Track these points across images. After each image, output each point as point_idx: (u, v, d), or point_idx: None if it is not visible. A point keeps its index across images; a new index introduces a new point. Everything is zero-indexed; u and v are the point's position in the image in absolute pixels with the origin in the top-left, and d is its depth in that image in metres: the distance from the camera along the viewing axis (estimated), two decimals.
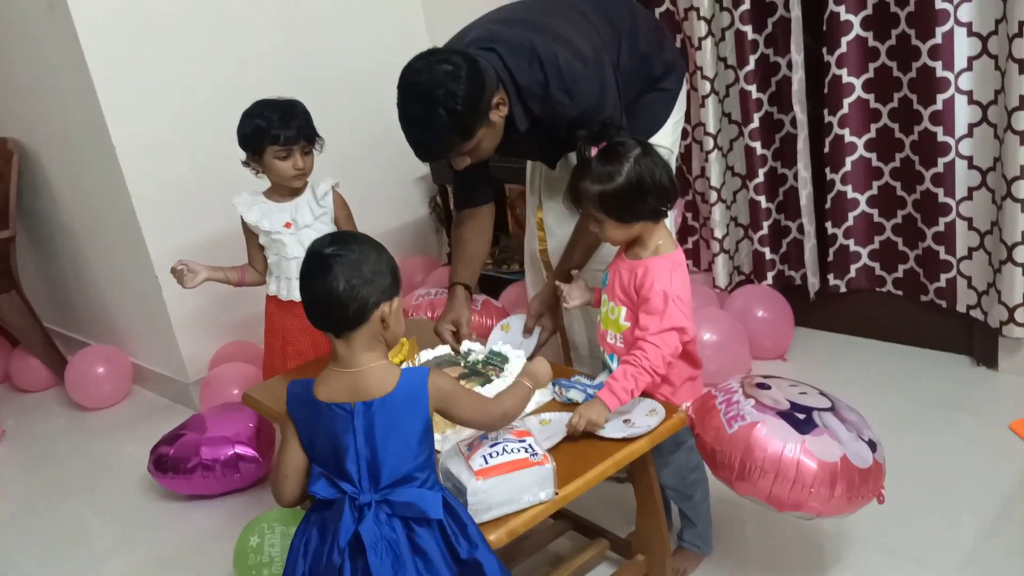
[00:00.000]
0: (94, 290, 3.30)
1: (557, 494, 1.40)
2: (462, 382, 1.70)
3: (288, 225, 2.10)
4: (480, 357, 1.80)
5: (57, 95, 2.87)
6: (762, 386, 1.58)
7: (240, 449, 2.36)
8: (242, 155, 2.12)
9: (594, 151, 1.58)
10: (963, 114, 2.24)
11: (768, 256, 2.74)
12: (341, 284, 1.25)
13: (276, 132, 1.98)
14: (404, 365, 1.81)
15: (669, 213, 1.63)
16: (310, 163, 2.06)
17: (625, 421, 1.56)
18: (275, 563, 1.83)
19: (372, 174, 3.34)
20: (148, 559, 2.23)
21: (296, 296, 2.06)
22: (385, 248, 1.33)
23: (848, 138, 2.49)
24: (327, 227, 2.13)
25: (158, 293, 2.89)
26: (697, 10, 2.55)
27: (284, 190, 2.12)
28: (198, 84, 2.84)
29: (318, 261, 1.27)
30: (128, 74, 2.69)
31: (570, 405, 1.63)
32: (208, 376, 2.82)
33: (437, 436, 1.44)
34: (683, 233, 2.95)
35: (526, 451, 1.40)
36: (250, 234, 2.19)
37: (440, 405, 1.32)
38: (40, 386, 3.37)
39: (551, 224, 2.07)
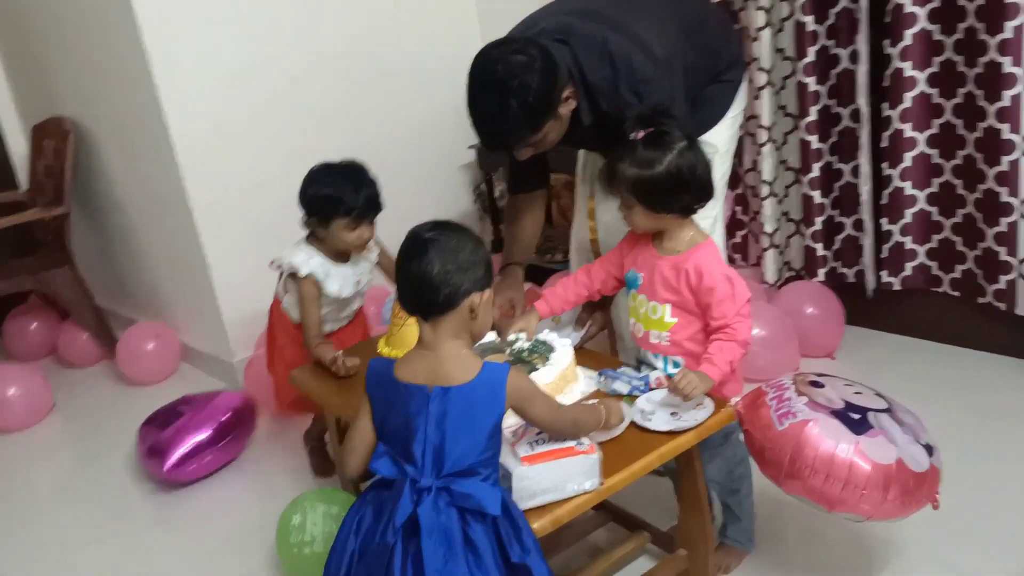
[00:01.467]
0: (145, 269, 3.37)
1: (602, 484, 1.39)
2: None
3: (358, 282, 2.10)
4: (526, 346, 1.78)
5: (114, 76, 2.92)
6: (815, 384, 1.54)
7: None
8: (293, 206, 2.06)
9: (640, 135, 1.56)
10: None
11: (820, 252, 2.68)
12: (436, 268, 1.26)
13: (349, 205, 1.93)
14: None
15: (700, 211, 1.60)
16: (374, 232, 2.02)
17: (672, 414, 1.54)
18: (317, 541, 1.84)
19: (418, 162, 3.35)
20: (192, 532, 2.27)
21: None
22: (482, 240, 1.34)
23: (908, 133, 2.42)
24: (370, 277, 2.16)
25: (206, 274, 2.93)
26: (757, 59, 2.50)
27: (333, 252, 2.06)
28: (253, 69, 2.88)
29: (416, 243, 1.29)
30: (185, 58, 2.73)
31: (615, 397, 1.61)
32: (253, 356, 2.85)
33: None
34: (732, 227, 2.90)
35: (572, 440, 1.39)
36: (315, 299, 2.05)
37: (516, 404, 1.31)
38: (89, 360, 3.45)
39: (602, 214, 2.04)
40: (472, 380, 1.27)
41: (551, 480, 1.36)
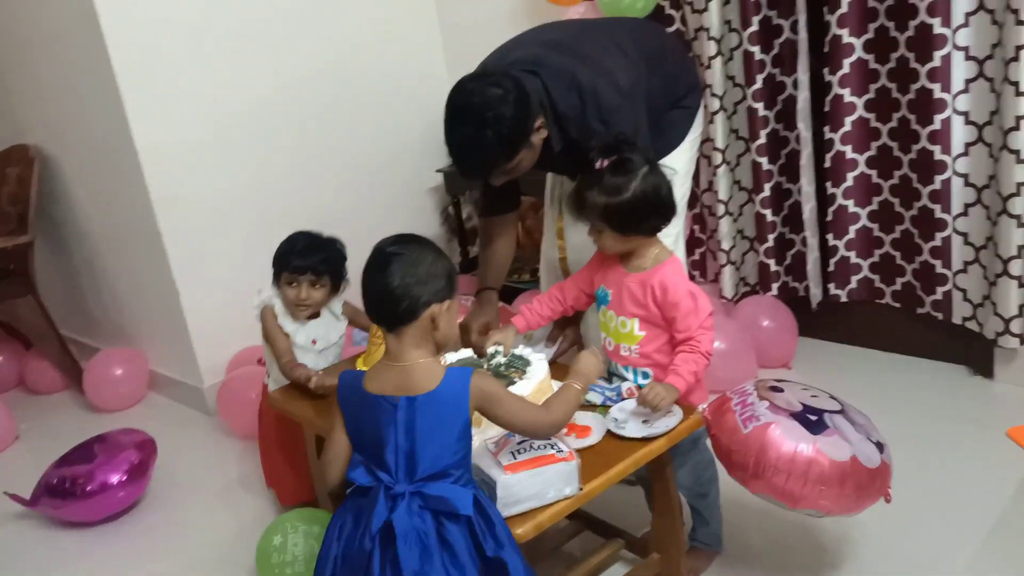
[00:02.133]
0: (111, 296, 3.37)
1: (581, 489, 1.47)
2: None
3: (314, 342, 2.11)
4: (503, 360, 1.86)
5: (82, 102, 2.94)
6: (775, 389, 1.65)
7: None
8: None
9: (605, 163, 1.67)
10: (960, 134, 2.34)
11: (773, 268, 2.82)
12: (396, 281, 1.33)
13: (291, 259, 2.01)
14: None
15: (664, 230, 1.71)
16: (316, 296, 2.05)
17: (644, 422, 1.63)
18: (298, 562, 1.88)
19: (386, 186, 3.42)
20: (161, 559, 2.29)
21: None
22: (444, 254, 1.41)
23: (850, 155, 2.58)
24: (342, 339, 2.17)
25: (176, 299, 2.96)
26: (707, 30, 2.64)
27: (296, 313, 2.09)
28: (222, 93, 2.93)
29: (379, 257, 1.36)
30: (154, 81, 2.77)
31: (587, 407, 1.71)
32: (226, 380, 2.88)
33: (476, 431, 1.49)
34: (691, 245, 3.03)
35: (552, 448, 1.47)
36: (279, 332, 2.10)
37: (481, 405, 1.37)
38: (54, 388, 3.43)
39: (570, 235, 2.15)
40: (436, 387, 1.34)
41: (533, 487, 1.44)
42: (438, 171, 3.54)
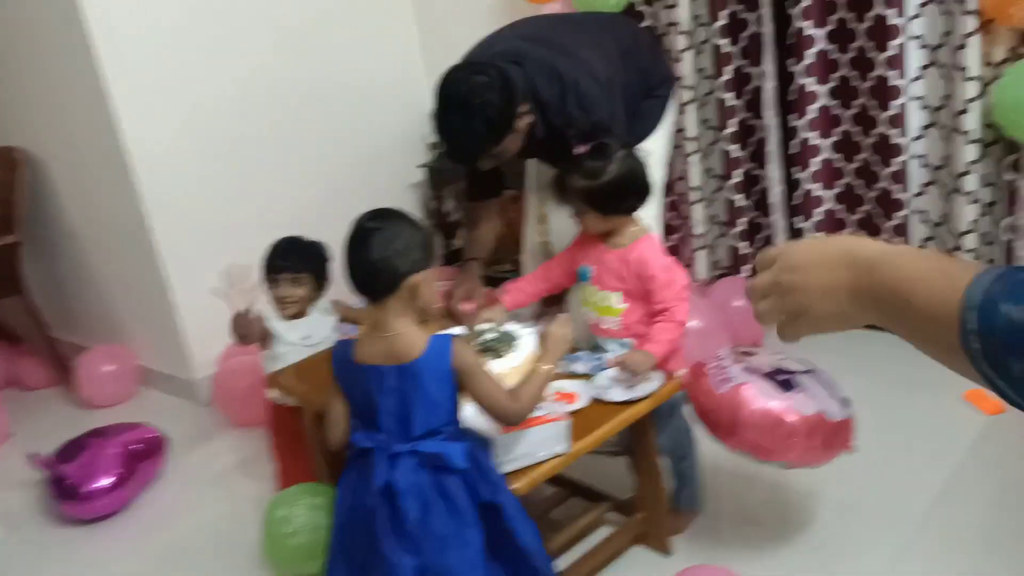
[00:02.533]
0: (99, 294, 3.42)
1: (571, 448, 1.59)
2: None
3: (307, 338, 2.19)
4: (492, 336, 1.97)
5: (68, 104, 3.00)
6: (747, 353, 1.78)
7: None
8: None
9: (584, 149, 1.78)
10: (915, 118, 2.48)
11: (743, 250, 2.96)
12: (375, 255, 1.41)
13: (270, 260, 2.13)
14: None
15: (642, 210, 1.83)
16: (298, 293, 2.14)
17: (627, 388, 1.75)
18: (302, 532, 1.97)
19: (369, 182, 3.50)
20: (165, 547, 2.37)
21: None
22: (421, 224, 1.49)
23: (813, 141, 2.73)
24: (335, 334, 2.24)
25: (166, 293, 3.02)
26: (677, 25, 2.77)
27: (281, 310, 2.19)
28: (208, 92, 3.00)
29: (358, 233, 1.44)
30: (141, 82, 2.83)
31: (573, 376, 1.82)
32: (220, 370, 2.95)
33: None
34: (666, 231, 3.15)
35: (544, 410, 1.59)
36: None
37: (461, 369, 1.44)
38: (43, 383, 3.47)
39: (554, 219, 2.26)
40: (422, 355, 1.43)
41: (526, 446, 1.55)
42: (420, 166, 3.63)
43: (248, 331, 2.16)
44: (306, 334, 2.20)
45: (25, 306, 3.32)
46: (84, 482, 2.44)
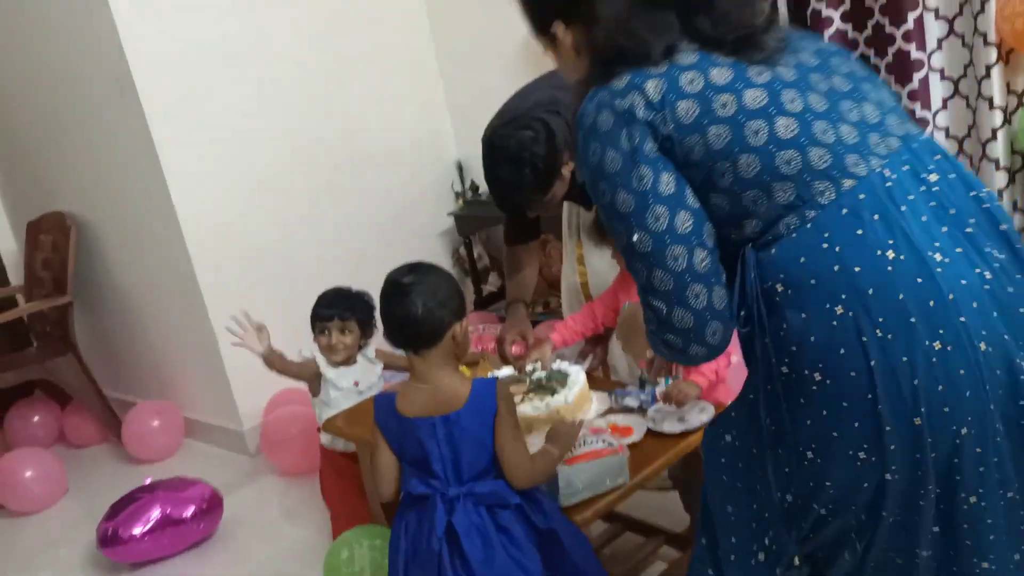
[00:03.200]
0: (147, 349, 3.52)
1: (631, 480, 1.63)
2: (531, 395, 1.93)
3: (356, 383, 2.28)
4: (543, 374, 2.03)
5: (121, 171, 3.14)
6: None
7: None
8: None
9: None
10: (937, 89, 2.49)
11: None
12: (420, 308, 1.46)
13: (318, 310, 2.23)
14: None
15: None
16: (346, 340, 2.22)
17: (680, 420, 1.79)
18: (366, 572, 2.01)
19: (399, 232, 3.60)
20: None
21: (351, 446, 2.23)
22: (452, 275, 1.56)
23: None
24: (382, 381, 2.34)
25: (215, 347, 3.11)
26: None
27: (329, 357, 2.27)
28: (248, 155, 3.13)
29: (397, 289, 1.49)
30: (188, 146, 2.98)
31: (626, 410, 1.87)
32: (268, 420, 3.02)
33: (528, 438, 1.63)
34: None
35: (603, 443, 1.64)
36: (309, 370, 2.29)
37: (501, 409, 1.48)
38: (94, 441, 3.56)
39: (591, 259, 2.33)
40: (466, 403, 1.48)
41: (589, 478, 1.59)
42: (449, 215, 3.73)
43: (285, 366, 2.27)
44: (356, 380, 2.27)
45: (77, 364, 3.41)
46: (130, 530, 2.50)
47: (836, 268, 1.06)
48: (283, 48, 3.21)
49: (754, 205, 1.10)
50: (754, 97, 1.10)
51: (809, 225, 1.08)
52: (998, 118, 2.34)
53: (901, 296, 1.04)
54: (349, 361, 2.28)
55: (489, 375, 2.11)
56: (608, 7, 1.16)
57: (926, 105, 2.50)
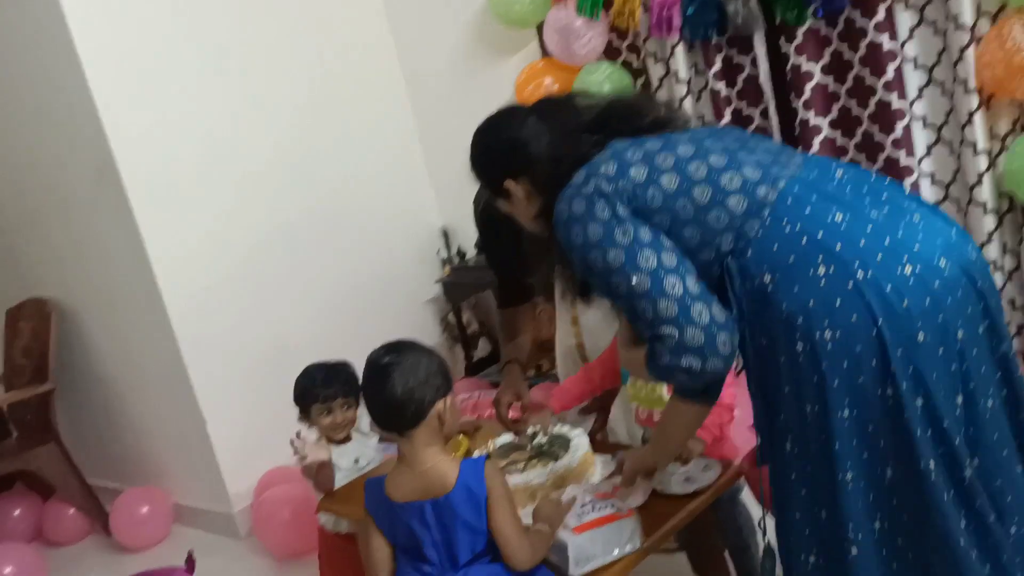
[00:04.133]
0: (133, 435, 3.42)
1: (642, 544, 1.56)
2: (533, 462, 1.87)
3: (357, 461, 2.21)
4: (544, 439, 1.97)
5: (103, 256, 3.11)
6: None
7: None
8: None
9: None
10: (920, 137, 2.52)
11: None
12: (399, 389, 1.42)
13: (317, 391, 2.16)
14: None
15: None
16: (350, 416, 2.18)
17: (687, 480, 1.74)
18: None
19: (385, 301, 3.56)
20: None
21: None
22: (435, 351, 1.51)
23: None
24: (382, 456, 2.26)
25: (203, 429, 3.04)
26: (676, 74, 2.82)
27: (334, 437, 2.21)
28: (240, 238, 3.12)
29: (377, 370, 1.45)
30: (175, 233, 2.96)
31: None
32: (259, 501, 2.93)
33: (521, 512, 1.56)
34: None
35: (612, 507, 1.57)
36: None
37: (488, 492, 1.43)
38: (76, 537, 3.41)
39: (585, 319, 2.30)
40: (456, 486, 1.43)
41: (601, 544, 1.52)
42: (436, 282, 3.71)
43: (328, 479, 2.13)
44: (356, 455, 2.20)
45: (59, 453, 3.31)
46: None
47: (804, 241, 1.29)
48: (263, 126, 3.21)
49: (717, 223, 1.33)
50: (685, 150, 1.38)
51: (768, 221, 1.31)
52: (983, 163, 2.36)
53: (863, 242, 1.27)
54: (347, 439, 2.21)
55: (490, 443, 2.06)
56: (536, 147, 1.49)
57: (910, 152, 2.53)
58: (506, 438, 2.02)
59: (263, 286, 3.18)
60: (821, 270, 1.26)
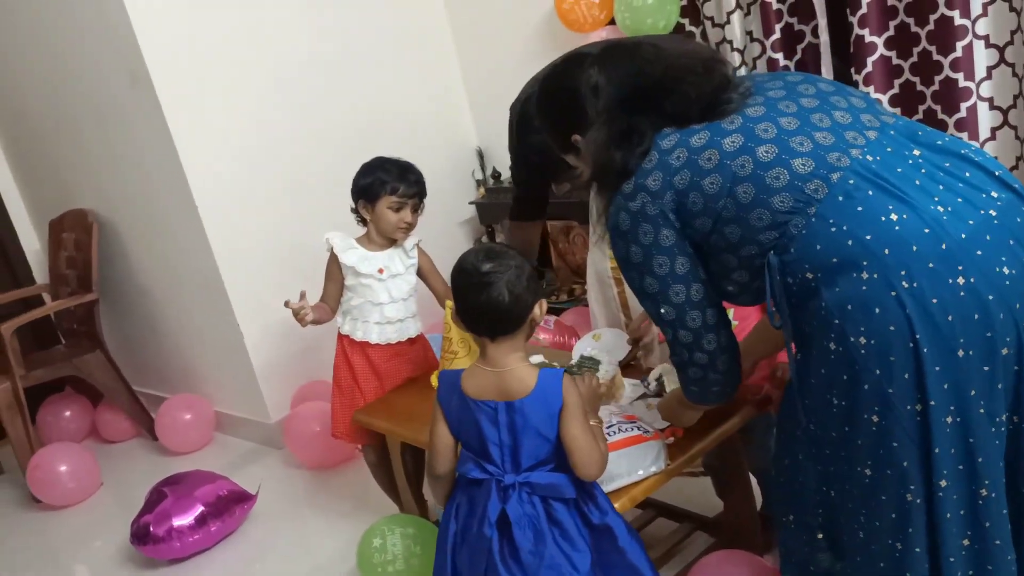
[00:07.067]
0: (174, 345, 3.53)
1: (669, 464, 1.61)
2: None
3: (381, 271, 2.23)
4: (572, 362, 2.01)
5: (138, 165, 3.13)
6: None
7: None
8: (341, 201, 2.30)
9: None
10: (985, 119, 2.44)
11: None
12: (506, 296, 1.42)
13: (396, 184, 2.15)
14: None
15: None
16: (416, 220, 2.20)
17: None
18: (398, 560, 2.01)
19: (422, 222, 3.54)
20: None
21: (370, 338, 2.23)
22: (519, 254, 1.51)
23: None
24: (413, 277, 2.29)
25: (240, 342, 3.12)
26: (731, 42, 2.77)
27: (378, 241, 2.24)
28: (273, 150, 3.12)
29: (480, 277, 1.43)
30: (208, 140, 2.96)
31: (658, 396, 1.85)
32: (291, 414, 3.03)
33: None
34: None
35: (639, 429, 1.62)
36: (335, 274, 2.28)
37: (565, 404, 1.45)
38: (125, 436, 3.59)
39: None
40: (532, 392, 1.45)
41: (626, 465, 1.58)
42: (470, 203, 3.72)
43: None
44: (382, 265, 2.22)
45: (105, 361, 3.43)
46: (162, 526, 2.50)
47: (849, 243, 1.22)
48: (298, 37, 3.18)
49: (759, 221, 1.29)
50: (731, 142, 1.31)
51: (813, 219, 1.25)
52: None
53: (915, 248, 1.19)
54: (385, 245, 2.23)
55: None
56: (596, 134, 1.43)
57: (973, 135, 2.44)
58: (538, 359, 2.06)
59: (298, 199, 3.20)
60: (864, 275, 1.21)
